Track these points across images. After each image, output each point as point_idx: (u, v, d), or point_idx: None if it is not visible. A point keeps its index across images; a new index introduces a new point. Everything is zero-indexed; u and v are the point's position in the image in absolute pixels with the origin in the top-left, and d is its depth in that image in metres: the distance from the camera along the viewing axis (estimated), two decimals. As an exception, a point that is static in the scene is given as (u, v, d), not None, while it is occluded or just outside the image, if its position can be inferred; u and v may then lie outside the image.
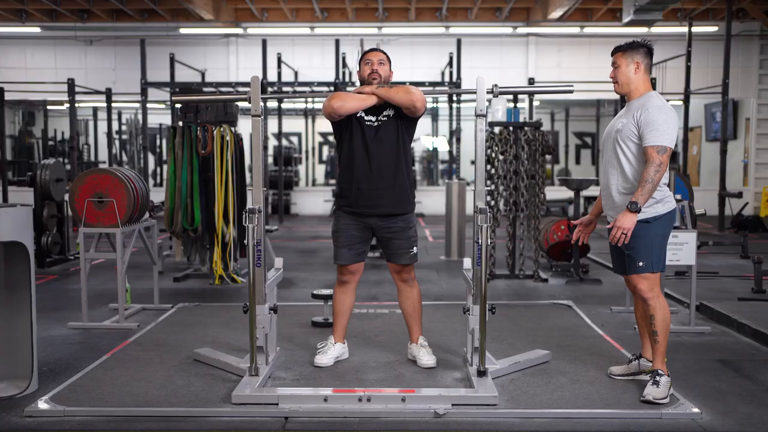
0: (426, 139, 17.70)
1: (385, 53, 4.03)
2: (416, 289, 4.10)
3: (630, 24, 10.68)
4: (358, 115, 3.90)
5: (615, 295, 6.12)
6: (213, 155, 6.37)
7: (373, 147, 3.88)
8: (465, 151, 12.63)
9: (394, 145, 3.92)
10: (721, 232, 10.87)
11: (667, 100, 11.85)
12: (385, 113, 3.92)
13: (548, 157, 9.79)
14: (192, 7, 12.34)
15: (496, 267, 7.20)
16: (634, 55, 3.58)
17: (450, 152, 13.47)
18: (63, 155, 14.78)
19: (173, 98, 4.45)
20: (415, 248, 4.01)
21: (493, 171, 6.90)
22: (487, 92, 3.77)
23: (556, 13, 12.69)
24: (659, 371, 3.48)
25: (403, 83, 12.93)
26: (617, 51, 3.63)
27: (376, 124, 3.91)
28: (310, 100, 15.81)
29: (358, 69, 4.08)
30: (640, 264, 3.50)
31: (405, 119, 3.93)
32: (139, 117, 15.17)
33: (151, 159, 16.15)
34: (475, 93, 3.73)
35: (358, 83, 4.10)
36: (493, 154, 6.89)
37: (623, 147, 3.54)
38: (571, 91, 3.89)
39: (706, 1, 12.75)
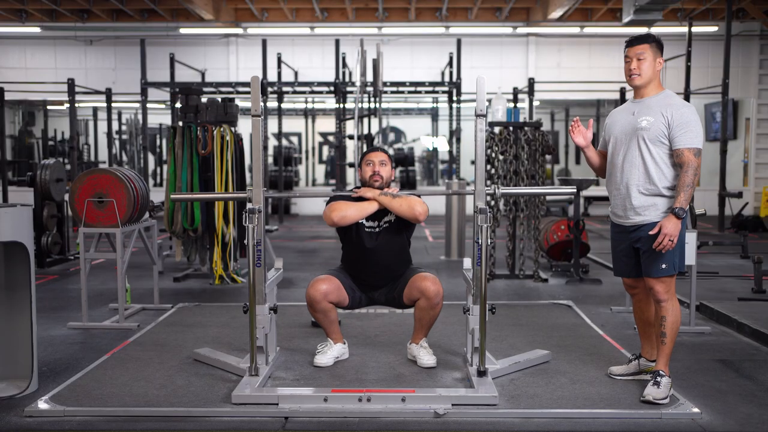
0: (426, 139, 17.70)
1: (386, 153, 4.07)
2: (439, 308, 3.94)
3: (630, 24, 10.67)
4: (358, 222, 3.94)
5: (615, 295, 6.12)
6: (213, 155, 6.37)
7: (374, 252, 3.96)
8: (465, 151, 12.62)
9: (395, 245, 4.01)
10: (721, 232, 10.87)
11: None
12: (386, 219, 3.98)
13: (548, 157, 9.78)
14: (192, 7, 12.34)
15: (496, 267, 7.20)
16: (658, 50, 3.51)
17: (450, 152, 13.47)
18: (63, 155, 14.78)
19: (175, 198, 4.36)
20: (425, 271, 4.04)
21: (493, 171, 6.90)
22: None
23: (556, 13, 12.69)
24: (661, 372, 3.47)
25: (403, 83, 12.88)
26: (645, 42, 3.50)
27: (377, 230, 3.98)
28: (310, 99, 15.80)
29: (358, 166, 4.09)
30: (663, 266, 3.44)
31: (406, 224, 4.00)
32: (139, 117, 15.17)
33: (151, 159, 16.14)
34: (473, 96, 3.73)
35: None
36: (493, 154, 6.89)
37: (650, 147, 3.44)
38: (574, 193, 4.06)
39: (706, 1, 12.75)
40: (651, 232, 3.40)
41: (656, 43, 3.51)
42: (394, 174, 4.07)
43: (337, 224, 3.88)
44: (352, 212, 3.86)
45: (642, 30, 12.83)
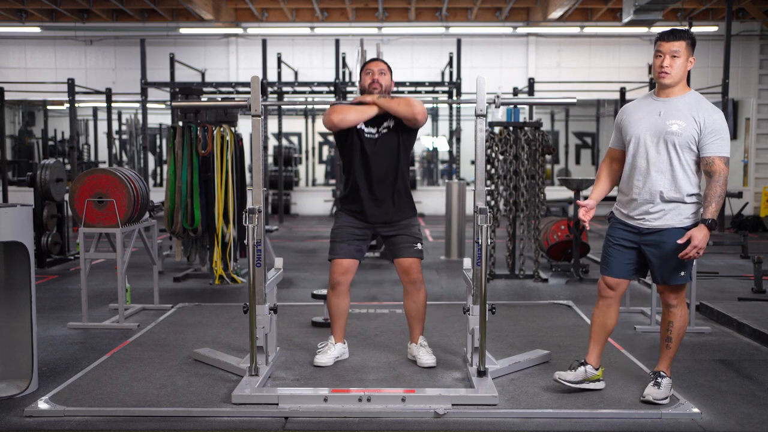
0: (426, 139, 17.69)
1: (386, 63, 4.04)
2: (423, 292, 4.03)
3: (630, 24, 10.68)
4: (358, 127, 3.92)
5: (615, 295, 6.11)
6: (213, 155, 6.36)
7: (373, 159, 3.92)
8: (465, 151, 12.62)
9: (394, 156, 3.95)
10: (721, 232, 10.87)
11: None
12: (385, 124, 3.94)
13: (548, 157, 9.78)
14: (192, 7, 12.34)
15: (496, 267, 7.20)
16: (692, 49, 3.28)
17: (450, 152, 13.47)
18: (63, 155, 14.77)
19: (173, 104, 4.44)
20: (419, 245, 4.02)
21: (493, 171, 6.90)
22: (489, 102, 3.76)
23: (556, 13, 12.69)
24: (662, 373, 3.46)
25: (403, 83, 12.92)
26: (681, 39, 3.26)
27: (376, 136, 3.94)
28: (310, 99, 15.80)
29: (359, 79, 4.07)
30: (682, 274, 3.36)
31: (405, 130, 3.95)
32: (139, 117, 15.17)
33: (151, 159, 16.14)
34: (475, 102, 3.72)
35: (358, 83, 4.11)
36: (493, 154, 6.89)
37: (680, 153, 3.27)
38: (573, 103, 3.90)
39: (706, 1, 12.76)
40: (680, 241, 3.22)
41: (692, 41, 3.29)
42: (393, 85, 4.04)
43: (336, 126, 3.85)
44: (351, 115, 3.85)
45: (641, 30, 12.85)
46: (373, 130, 3.93)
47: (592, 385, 3.52)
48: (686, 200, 3.33)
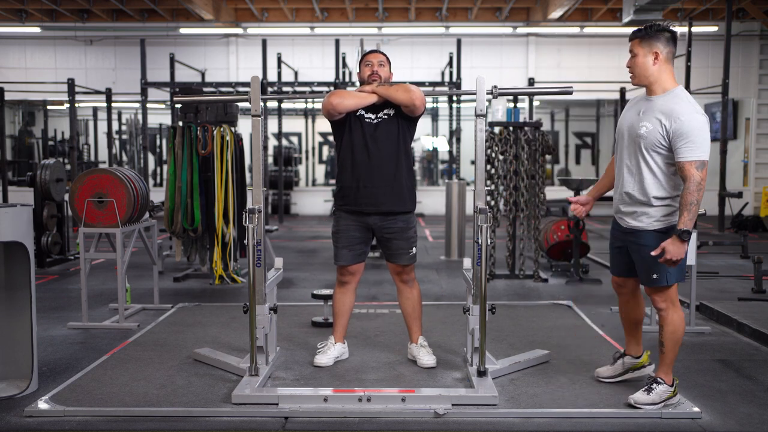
0: (426, 139, 17.70)
1: (385, 55, 4.04)
2: (416, 289, 4.10)
3: (630, 24, 10.68)
4: (357, 113, 3.91)
5: (615, 295, 6.10)
6: (213, 155, 6.37)
7: (372, 144, 3.88)
8: (465, 151, 12.63)
9: (393, 143, 3.91)
10: (721, 232, 10.88)
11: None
12: (384, 111, 3.93)
13: (548, 157, 9.77)
14: (192, 7, 12.34)
15: (496, 267, 7.20)
16: (652, 42, 3.21)
17: (450, 152, 13.48)
18: (63, 155, 14.77)
19: (174, 99, 4.45)
20: (414, 249, 4.01)
21: (493, 171, 6.90)
22: (487, 93, 3.77)
23: (556, 13, 12.70)
24: (659, 379, 3.37)
25: (403, 83, 12.93)
26: (634, 37, 3.27)
27: (375, 121, 3.91)
28: (310, 100, 15.82)
29: (358, 71, 4.08)
30: (654, 276, 3.31)
31: (405, 118, 3.93)
32: (139, 117, 15.17)
33: (151, 159, 16.15)
34: (474, 94, 3.73)
35: (358, 83, 4.11)
36: (493, 154, 6.89)
37: (646, 155, 3.23)
38: (570, 92, 3.83)
39: (706, 1, 12.76)
40: (653, 253, 3.18)
41: (649, 36, 3.23)
42: (392, 77, 4.08)
43: (335, 107, 3.83)
44: (350, 100, 3.86)
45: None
46: (372, 116, 3.93)
47: (636, 374, 3.60)
48: (653, 203, 3.28)
